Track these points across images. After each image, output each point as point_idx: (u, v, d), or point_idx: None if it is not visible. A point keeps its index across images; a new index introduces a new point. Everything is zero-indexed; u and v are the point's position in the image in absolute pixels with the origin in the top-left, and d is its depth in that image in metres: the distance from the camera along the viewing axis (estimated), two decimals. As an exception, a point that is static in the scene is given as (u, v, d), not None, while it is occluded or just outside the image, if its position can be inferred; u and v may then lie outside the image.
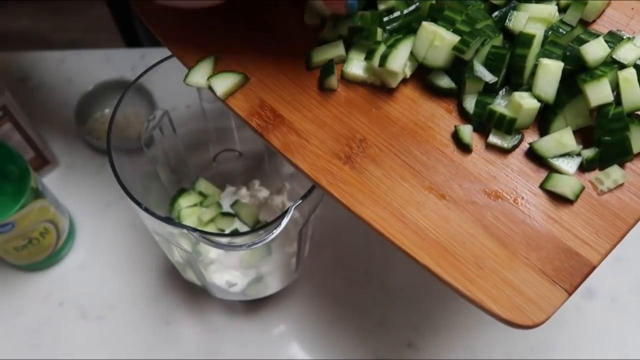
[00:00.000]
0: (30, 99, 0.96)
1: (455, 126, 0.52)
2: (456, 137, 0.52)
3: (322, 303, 0.83)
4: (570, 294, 0.47)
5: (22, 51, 1.02)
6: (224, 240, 0.61)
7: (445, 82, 0.53)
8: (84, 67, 1.00)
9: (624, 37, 0.51)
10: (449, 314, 0.83)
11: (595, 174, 0.50)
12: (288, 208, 0.59)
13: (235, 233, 0.77)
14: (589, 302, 0.83)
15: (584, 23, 0.55)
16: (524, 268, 0.47)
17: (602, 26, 0.55)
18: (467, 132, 0.52)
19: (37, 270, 0.85)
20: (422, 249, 0.48)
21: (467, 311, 0.82)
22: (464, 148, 0.52)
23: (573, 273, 0.47)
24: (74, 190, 0.90)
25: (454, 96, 0.54)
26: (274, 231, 0.60)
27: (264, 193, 0.82)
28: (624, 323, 0.82)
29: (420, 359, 0.80)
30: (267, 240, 0.60)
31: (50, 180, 0.89)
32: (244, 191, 0.81)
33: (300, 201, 0.59)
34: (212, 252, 0.71)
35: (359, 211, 0.50)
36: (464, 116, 0.53)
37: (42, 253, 0.81)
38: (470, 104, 0.52)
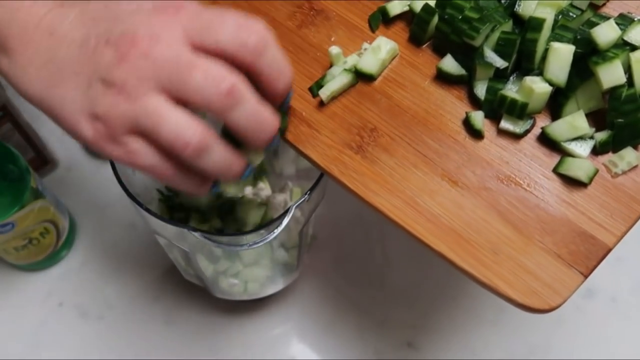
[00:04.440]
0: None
1: (466, 113, 0.52)
2: (467, 123, 0.52)
3: (322, 303, 0.83)
4: (586, 277, 0.47)
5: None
6: (225, 239, 0.61)
7: (455, 69, 0.53)
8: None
9: (635, 19, 0.51)
10: (449, 314, 0.82)
11: (609, 156, 0.50)
12: (289, 207, 0.59)
13: (236, 232, 0.77)
14: (588, 302, 0.83)
15: (594, 7, 0.55)
16: (540, 252, 0.47)
17: (612, 9, 0.55)
18: (478, 118, 0.51)
19: (37, 270, 0.84)
20: (437, 237, 0.48)
21: (467, 311, 0.82)
22: (476, 134, 0.52)
23: (589, 256, 0.47)
24: (74, 190, 0.89)
25: (464, 83, 0.54)
26: (275, 230, 0.59)
27: (266, 192, 0.81)
28: (624, 323, 0.82)
29: (420, 359, 0.80)
30: (268, 240, 0.60)
31: (50, 180, 0.88)
32: (248, 189, 0.80)
33: (301, 200, 0.59)
34: (214, 252, 0.71)
35: (373, 200, 0.50)
36: (475, 103, 0.53)
37: (42, 253, 0.81)
38: (481, 90, 0.52)
